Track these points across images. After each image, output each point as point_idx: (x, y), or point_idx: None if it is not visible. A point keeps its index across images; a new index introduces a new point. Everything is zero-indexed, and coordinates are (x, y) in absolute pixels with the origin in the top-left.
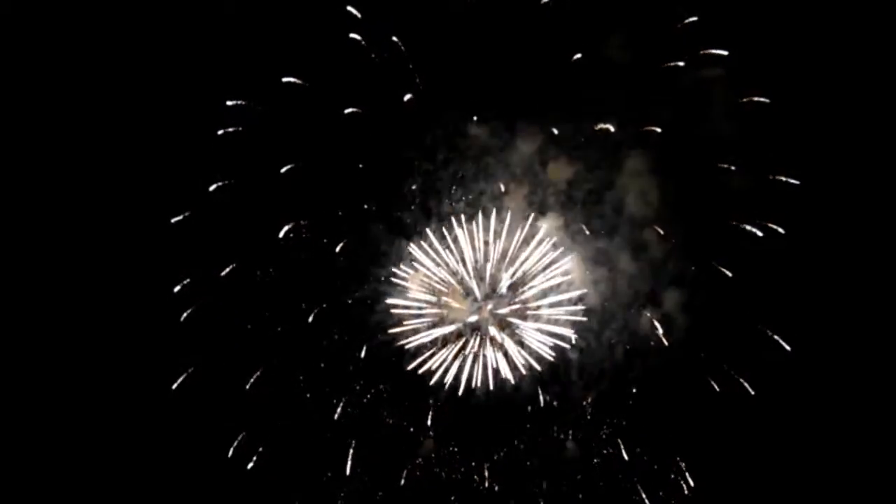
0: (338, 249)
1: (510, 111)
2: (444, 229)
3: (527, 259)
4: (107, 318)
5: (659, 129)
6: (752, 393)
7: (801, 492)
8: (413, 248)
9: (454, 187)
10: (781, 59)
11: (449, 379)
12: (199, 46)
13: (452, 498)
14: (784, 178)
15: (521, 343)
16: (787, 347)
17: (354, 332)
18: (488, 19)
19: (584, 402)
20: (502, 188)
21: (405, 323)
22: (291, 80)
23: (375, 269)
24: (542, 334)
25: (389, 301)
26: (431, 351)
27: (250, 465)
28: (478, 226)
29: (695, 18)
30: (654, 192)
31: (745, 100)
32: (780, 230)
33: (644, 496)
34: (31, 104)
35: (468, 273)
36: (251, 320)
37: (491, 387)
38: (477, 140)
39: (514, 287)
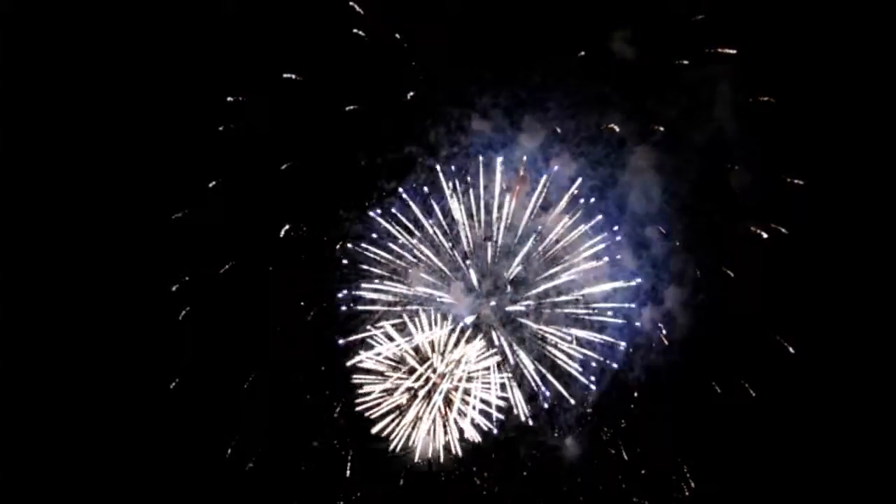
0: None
1: (513, 107)
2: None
3: None
4: (104, 316)
5: (662, 128)
6: (753, 395)
7: (801, 493)
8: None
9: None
10: (788, 58)
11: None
12: (199, 43)
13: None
14: (789, 179)
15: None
16: (791, 350)
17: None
18: (492, 14)
19: (584, 403)
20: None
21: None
22: (292, 76)
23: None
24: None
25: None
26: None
27: (249, 466)
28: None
29: (702, 16)
30: (657, 190)
31: (751, 99)
32: (783, 230)
33: (644, 497)
34: (25, 102)
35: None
36: (249, 319)
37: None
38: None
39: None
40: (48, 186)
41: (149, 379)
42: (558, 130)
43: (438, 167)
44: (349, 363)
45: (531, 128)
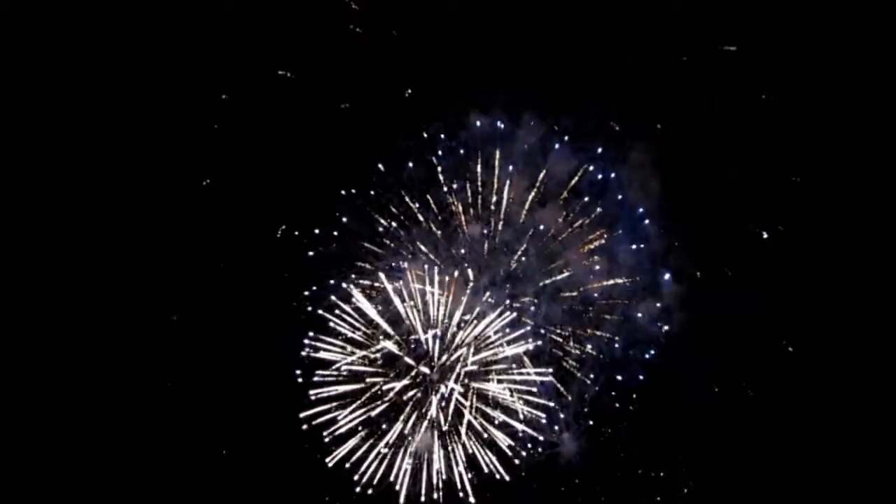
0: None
1: (512, 103)
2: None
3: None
4: (101, 316)
5: (659, 125)
6: (751, 394)
7: (801, 493)
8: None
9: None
10: (789, 56)
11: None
12: (194, 40)
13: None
14: (789, 177)
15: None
16: (791, 349)
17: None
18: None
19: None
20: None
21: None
22: (287, 73)
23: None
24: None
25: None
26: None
27: (248, 465)
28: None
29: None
30: (655, 187)
31: (751, 97)
32: (781, 228)
33: (642, 498)
34: (24, 102)
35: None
36: (246, 319)
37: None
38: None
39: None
40: (47, 186)
41: (147, 379)
42: (556, 128)
43: (435, 161)
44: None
45: (529, 123)
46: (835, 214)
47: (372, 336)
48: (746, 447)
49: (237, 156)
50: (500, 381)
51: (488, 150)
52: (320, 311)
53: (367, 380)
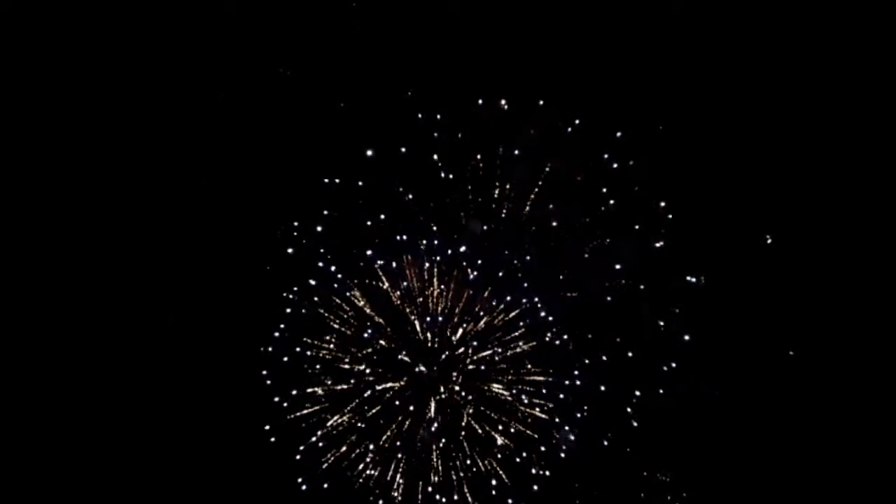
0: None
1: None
2: None
3: None
4: (97, 316)
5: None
6: (750, 395)
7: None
8: None
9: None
10: (787, 59)
11: None
12: (193, 38)
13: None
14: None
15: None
16: (791, 353)
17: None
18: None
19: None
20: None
21: None
22: (288, 71)
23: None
24: None
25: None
26: None
27: (247, 465)
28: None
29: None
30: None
31: (748, 99)
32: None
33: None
34: (24, 102)
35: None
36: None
37: None
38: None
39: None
40: (46, 186)
41: (144, 379)
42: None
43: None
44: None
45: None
46: (837, 215)
47: (366, 331)
48: (744, 448)
49: (236, 154)
50: (504, 382)
51: (490, 145)
52: (304, 309)
53: (361, 379)
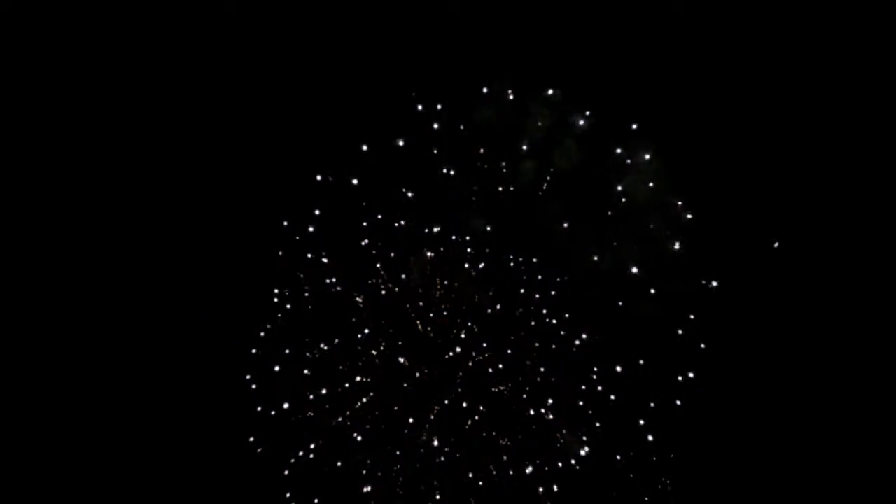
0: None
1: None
2: None
3: None
4: (96, 317)
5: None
6: (749, 395)
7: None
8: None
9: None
10: (787, 59)
11: None
12: (194, 42)
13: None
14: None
15: None
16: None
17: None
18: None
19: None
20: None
21: None
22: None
23: None
24: None
25: None
26: None
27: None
28: None
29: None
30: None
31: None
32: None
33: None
34: (23, 102)
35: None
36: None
37: None
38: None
39: None
40: (41, 185)
41: (143, 380)
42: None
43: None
44: None
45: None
46: (836, 216)
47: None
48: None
49: (236, 153)
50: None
51: (492, 143)
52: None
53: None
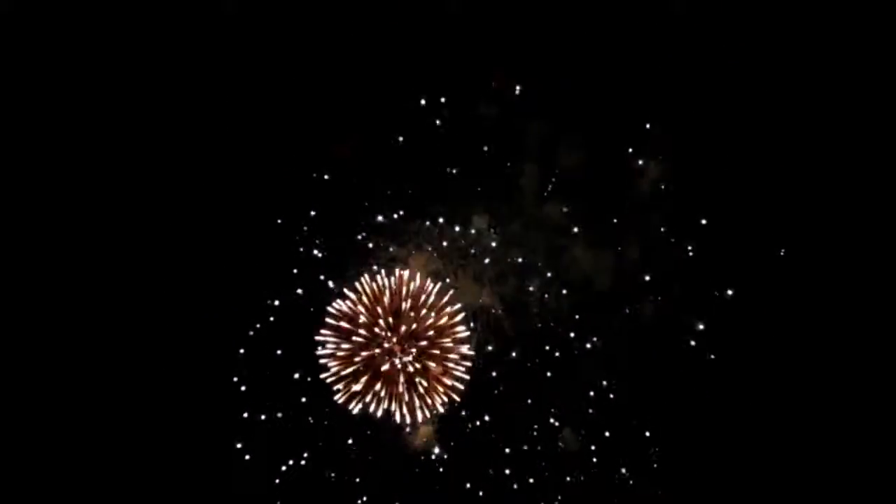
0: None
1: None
2: None
3: None
4: (95, 317)
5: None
6: (748, 395)
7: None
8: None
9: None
10: (785, 63)
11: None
12: (196, 43)
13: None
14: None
15: None
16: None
17: None
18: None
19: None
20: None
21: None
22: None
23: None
24: None
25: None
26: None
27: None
28: None
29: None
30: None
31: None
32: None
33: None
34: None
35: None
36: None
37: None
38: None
39: None
40: (39, 185)
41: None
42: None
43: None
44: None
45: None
46: (836, 218)
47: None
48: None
49: (236, 153)
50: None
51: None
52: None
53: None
